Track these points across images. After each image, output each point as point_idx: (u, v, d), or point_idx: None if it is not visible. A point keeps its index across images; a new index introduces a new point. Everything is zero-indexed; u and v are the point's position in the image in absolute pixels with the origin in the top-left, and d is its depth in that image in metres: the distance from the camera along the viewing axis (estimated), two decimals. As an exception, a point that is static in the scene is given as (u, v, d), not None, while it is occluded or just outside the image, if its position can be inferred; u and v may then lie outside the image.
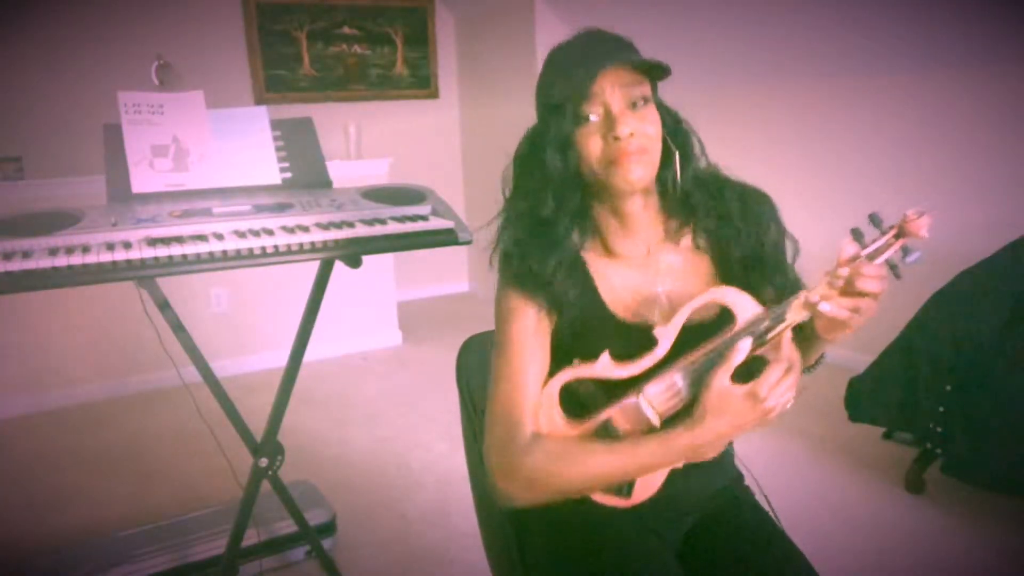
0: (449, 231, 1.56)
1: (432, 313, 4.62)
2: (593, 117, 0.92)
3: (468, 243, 1.56)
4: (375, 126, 4.36)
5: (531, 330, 0.99)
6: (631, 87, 0.92)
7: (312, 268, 1.65)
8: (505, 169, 1.03)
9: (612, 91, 0.91)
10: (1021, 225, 2.42)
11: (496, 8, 4.34)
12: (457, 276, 4.92)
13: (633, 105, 0.92)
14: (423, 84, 4.75)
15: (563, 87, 0.92)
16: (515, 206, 1.02)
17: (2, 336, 3.17)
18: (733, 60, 3.48)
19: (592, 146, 0.93)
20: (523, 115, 1.02)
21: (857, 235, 0.83)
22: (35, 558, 1.99)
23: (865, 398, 2.29)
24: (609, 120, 0.92)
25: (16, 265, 1.22)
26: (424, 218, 1.56)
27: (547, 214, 0.98)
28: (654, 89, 0.96)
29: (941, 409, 2.09)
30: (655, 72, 0.93)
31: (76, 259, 1.26)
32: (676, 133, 0.99)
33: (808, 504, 2.20)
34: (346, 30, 4.44)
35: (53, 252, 1.27)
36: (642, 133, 0.92)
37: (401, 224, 1.52)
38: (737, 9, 3.17)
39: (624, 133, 0.90)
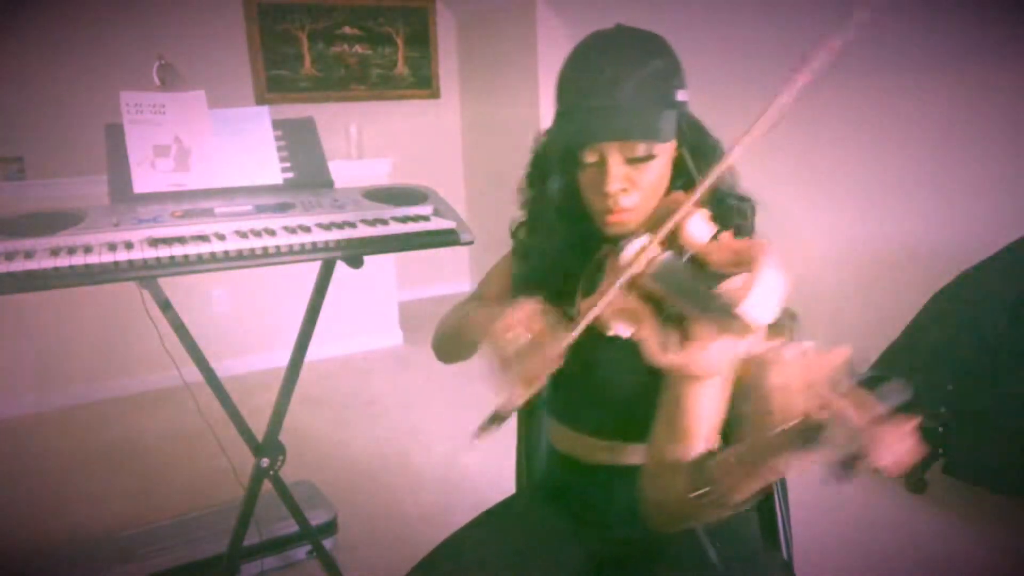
0: (451, 231, 1.56)
1: (433, 313, 4.57)
2: (590, 160, 0.89)
3: (470, 243, 1.56)
4: (376, 126, 4.35)
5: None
6: (632, 146, 0.87)
7: (313, 268, 1.65)
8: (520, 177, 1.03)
9: (609, 146, 0.87)
10: (1021, 225, 2.42)
11: (497, 8, 4.34)
12: (458, 276, 4.91)
13: (632, 160, 0.87)
14: (424, 84, 4.75)
15: (564, 127, 0.90)
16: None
17: (3, 336, 3.18)
18: (732, 60, 3.48)
19: (587, 189, 0.92)
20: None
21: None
22: (36, 558, 1.99)
23: (866, 398, 2.29)
24: (602, 171, 0.88)
25: (18, 265, 1.22)
26: (426, 218, 1.56)
27: (552, 246, 0.99)
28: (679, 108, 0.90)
29: (942, 409, 2.09)
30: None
31: (78, 259, 1.26)
32: (698, 161, 0.91)
33: (809, 503, 2.20)
34: (347, 30, 4.44)
35: (55, 252, 1.26)
36: (637, 186, 0.88)
37: (403, 224, 1.52)
38: (737, 8, 3.17)
39: (614, 189, 0.86)
